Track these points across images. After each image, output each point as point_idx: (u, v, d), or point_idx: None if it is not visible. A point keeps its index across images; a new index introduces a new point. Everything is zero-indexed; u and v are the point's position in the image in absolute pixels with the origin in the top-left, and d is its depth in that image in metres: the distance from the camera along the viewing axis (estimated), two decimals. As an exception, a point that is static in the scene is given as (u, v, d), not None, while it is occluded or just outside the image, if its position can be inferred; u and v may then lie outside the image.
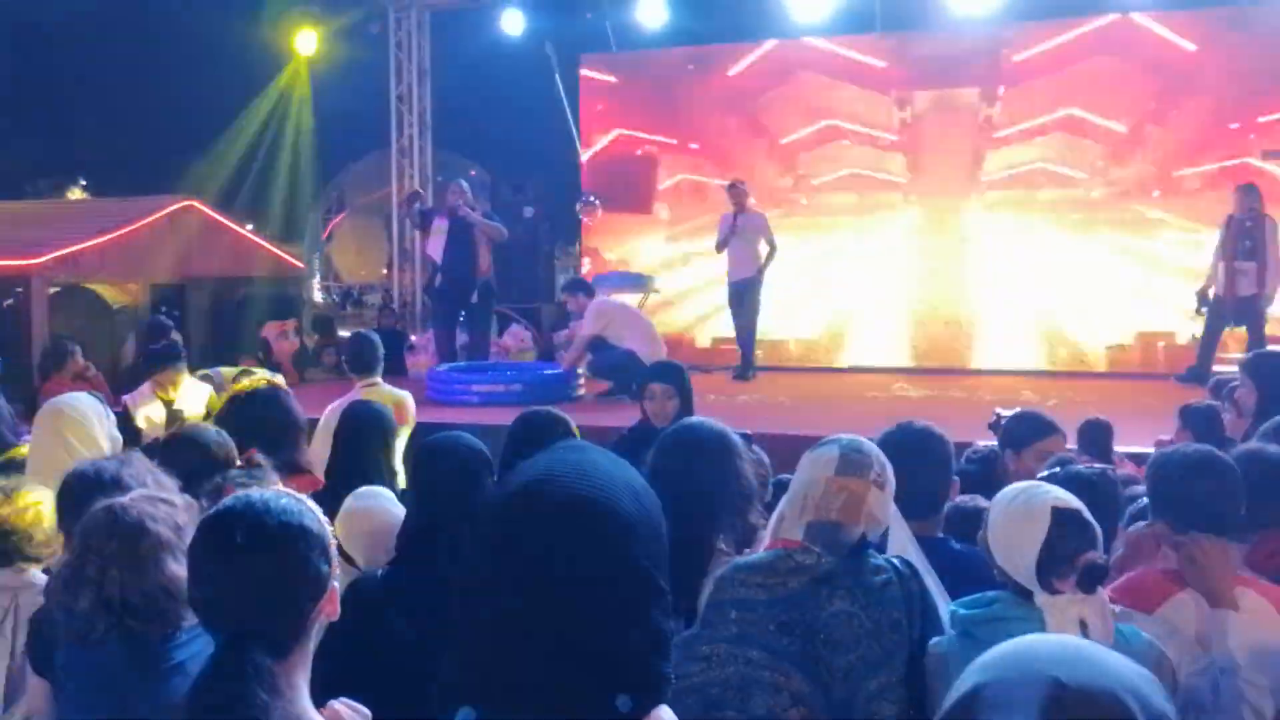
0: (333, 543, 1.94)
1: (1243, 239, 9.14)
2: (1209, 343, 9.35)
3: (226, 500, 1.92)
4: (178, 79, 18.90)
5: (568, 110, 13.66)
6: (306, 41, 13.96)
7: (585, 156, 13.55)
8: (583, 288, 10.02)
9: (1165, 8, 11.34)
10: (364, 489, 3.63)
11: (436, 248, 10.18)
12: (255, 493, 1.90)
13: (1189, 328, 10.43)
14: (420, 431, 6.12)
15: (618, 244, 13.44)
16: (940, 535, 3.26)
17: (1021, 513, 2.46)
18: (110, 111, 20.11)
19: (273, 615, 1.81)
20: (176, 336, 8.72)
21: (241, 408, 4.31)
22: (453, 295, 10.29)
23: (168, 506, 2.47)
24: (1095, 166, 11.70)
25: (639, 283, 12.76)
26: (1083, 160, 11.73)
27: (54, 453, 3.66)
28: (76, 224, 11.48)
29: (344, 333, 16.45)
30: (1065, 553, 2.38)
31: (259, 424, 4.07)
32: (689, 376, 5.20)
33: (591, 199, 12.83)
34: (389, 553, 3.16)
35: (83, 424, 3.88)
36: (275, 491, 1.93)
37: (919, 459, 3.17)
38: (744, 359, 10.67)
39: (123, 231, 11.18)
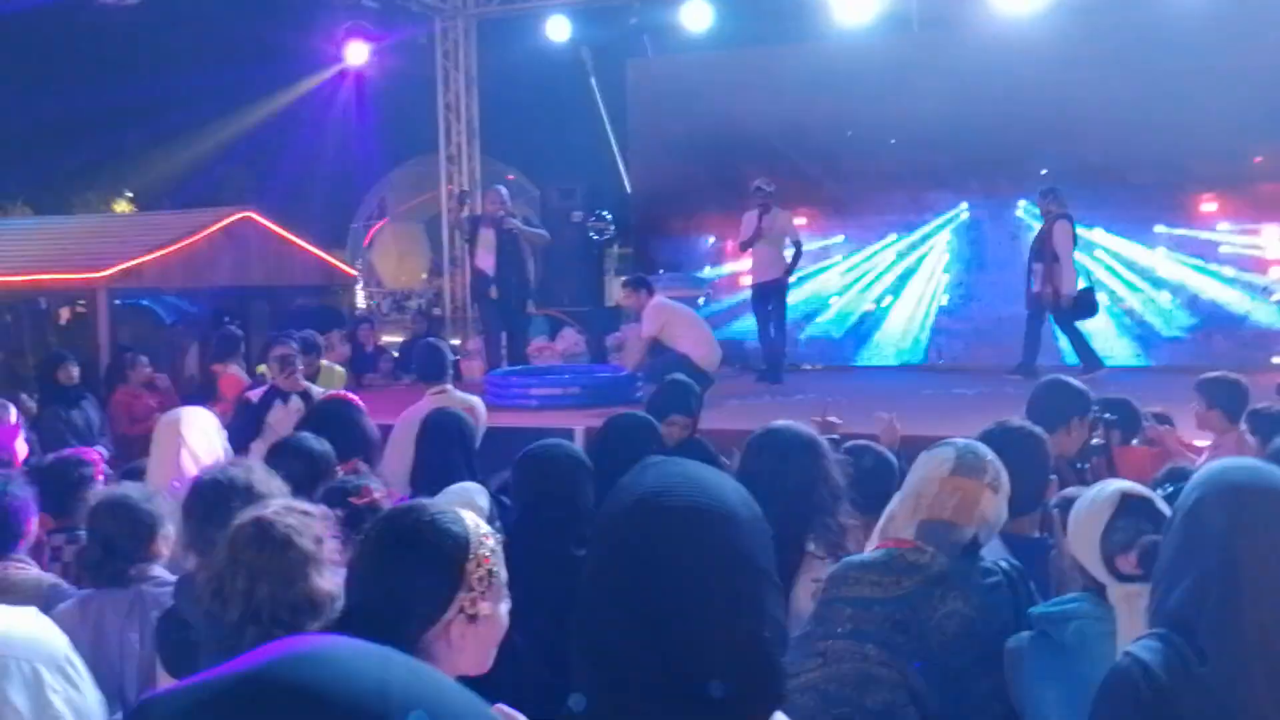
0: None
1: (1038, 240, 10.08)
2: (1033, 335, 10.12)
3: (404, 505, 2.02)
4: (224, 90, 19.12)
5: (604, 114, 13.78)
6: (357, 53, 14.13)
7: (627, 162, 13.67)
8: (644, 285, 9.68)
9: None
10: (453, 487, 3.70)
11: (487, 261, 10.16)
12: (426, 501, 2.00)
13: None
14: (490, 435, 6.26)
15: (669, 248, 13.61)
16: (1038, 535, 3.27)
17: (1092, 500, 2.51)
18: (156, 124, 20.36)
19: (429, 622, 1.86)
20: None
21: (323, 423, 4.39)
22: (507, 305, 10.27)
23: (309, 519, 2.49)
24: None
25: (696, 283, 12.81)
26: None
27: (178, 462, 3.77)
28: (138, 237, 11.71)
29: (389, 339, 16.66)
30: (1128, 532, 2.40)
31: (340, 439, 4.11)
32: (700, 402, 5.32)
33: (605, 215, 12.92)
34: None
35: (205, 434, 4.02)
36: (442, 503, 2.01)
37: (1016, 457, 3.12)
38: (774, 362, 10.56)
39: (184, 244, 11.41)
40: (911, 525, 2.61)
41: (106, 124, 20.59)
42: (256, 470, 3.22)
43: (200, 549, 2.89)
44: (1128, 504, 2.46)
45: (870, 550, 2.72)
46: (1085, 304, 9.96)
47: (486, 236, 10.18)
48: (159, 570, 3.41)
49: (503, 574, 1.88)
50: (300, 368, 5.63)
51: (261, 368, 7.34)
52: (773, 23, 13.07)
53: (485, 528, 1.89)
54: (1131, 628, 2.29)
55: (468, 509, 2.21)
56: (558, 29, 13.65)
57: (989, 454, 2.71)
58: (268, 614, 2.47)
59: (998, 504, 2.65)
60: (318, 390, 6.05)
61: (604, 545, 1.44)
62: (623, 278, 10.74)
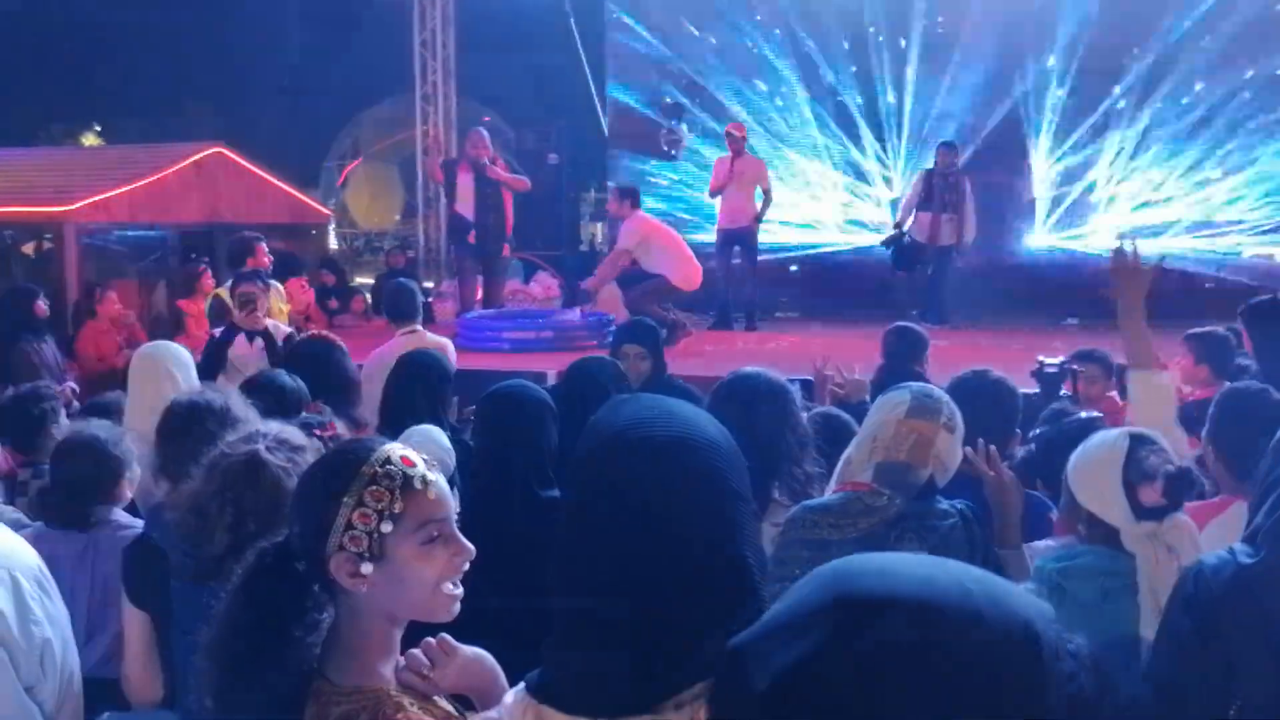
0: None
1: (945, 192, 10.48)
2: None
3: None
4: (191, 24, 18.78)
5: (583, 58, 13.61)
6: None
7: (609, 104, 13.53)
8: (631, 195, 9.68)
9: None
10: (415, 428, 3.65)
11: (467, 205, 10.00)
12: None
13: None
14: (461, 377, 6.22)
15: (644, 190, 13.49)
16: None
17: (1098, 445, 2.54)
18: (123, 57, 19.99)
19: None
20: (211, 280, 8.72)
21: (300, 362, 4.37)
22: (484, 249, 10.14)
23: (300, 454, 2.43)
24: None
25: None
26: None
27: (160, 394, 3.69)
28: (106, 171, 11.51)
29: (362, 280, 16.53)
30: (1149, 465, 2.43)
31: (317, 379, 4.12)
32: (661, 336, 5.26)
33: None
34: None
35: (186, 365, 3.98)
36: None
37: (985, 405, 3.21)
38: (749, 308, 10.57)
39: (153, 178, 11.22)
40: (869, 467, 2.64)
41: (75, 56, 20.19)
42: (233, 395, 3.19)
43: (172, 474, 2.85)
44: (1138, 441, 2.50)
45: (829, 493, 2.72)
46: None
47: (465, 180, 10.03)
48: (119, 514, 3.37)
49: (417, 517, 1.67)
50: (259, 308, 5.58)
51: (219, 293, 7.27)
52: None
53: (422, 467, 1.69)
54: (1157, 567, 2.32)
55: (428, 447, 2.18)
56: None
57: (943, 396, 2.74)
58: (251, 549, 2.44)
59: (953, 444, 2.67)
60: (283, 328, 6.01)
61: (584, 483, 1.42)
62: (611, 186, 10.67)
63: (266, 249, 7.65)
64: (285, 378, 3.80)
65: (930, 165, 10.98)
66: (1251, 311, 4.43)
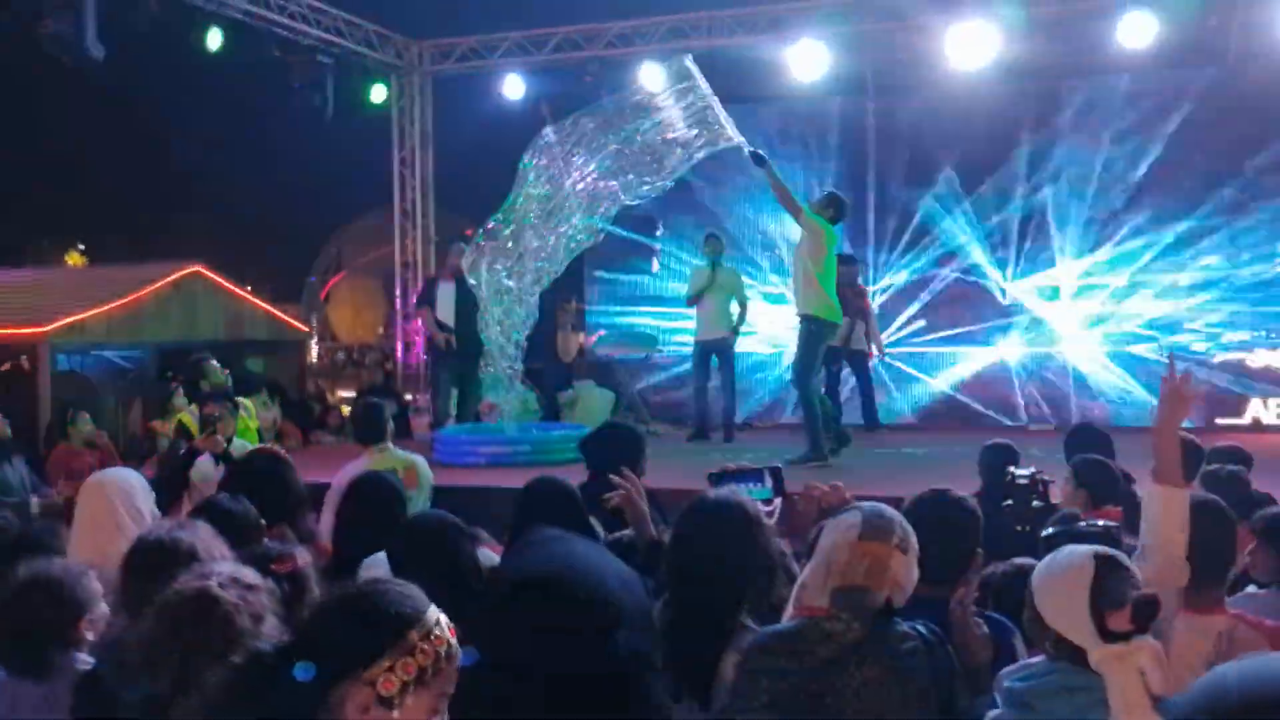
0: None
1: (852, 299, 10.44)
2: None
3: None
4: (175, 142, 19.05)
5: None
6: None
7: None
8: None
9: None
10: (375, 558, 3.62)
11: (447, 311, 10.14)
12: None
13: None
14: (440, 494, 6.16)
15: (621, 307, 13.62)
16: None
17: (1064, 566, 2.50)
18: (107, 174, 20.24)
19: None
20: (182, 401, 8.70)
21: (247, 480, 4.31)
22: (464, 358, 10.18)
23: (254, 595, 2.41)
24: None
25: (645, 342, 12.83)
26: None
27: (103, 528, 3.64)
28: (84, 291, 11.56)
29: (344, 393, 16.50)
30: (1116, 590, 2.40)
31: (263, 495, 4.06)
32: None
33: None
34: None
35: (132, 497, 3.89)
36: None
37: (944, 525, 3.17)
38: (729, 420, 10.55)
39: (130, 299, 11.26)
40: (825, 593, 2.59)
41: (61, 171, 20.43)
42: (201, 532, 3.09)
43: (135, 611, 2.75)
44: (1105, 564, 2.46)
45: (786, 619, 2.68)
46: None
47: (446, 291, 10.17)
48: (81, 659, 3.15)
49: (441, 683, 1.76)
50: (219, 430, 5.61)
51: (182, 417, 7.28)
52: (727, 82, 13.16)
53: (446, 622, 1.79)
54: (1127, 687, 2.29)
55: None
56: (513, 87, 13.72)
57: (895, 515, 2.72)
58: (198, 688, 2.37)
59: (907, 564, 2.64)
60: (248, 447, 5.99)
61: (484, 623, 1.52)
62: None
63: (218, 366, 7.66)
64: (230, 503, 3.73)
65: None
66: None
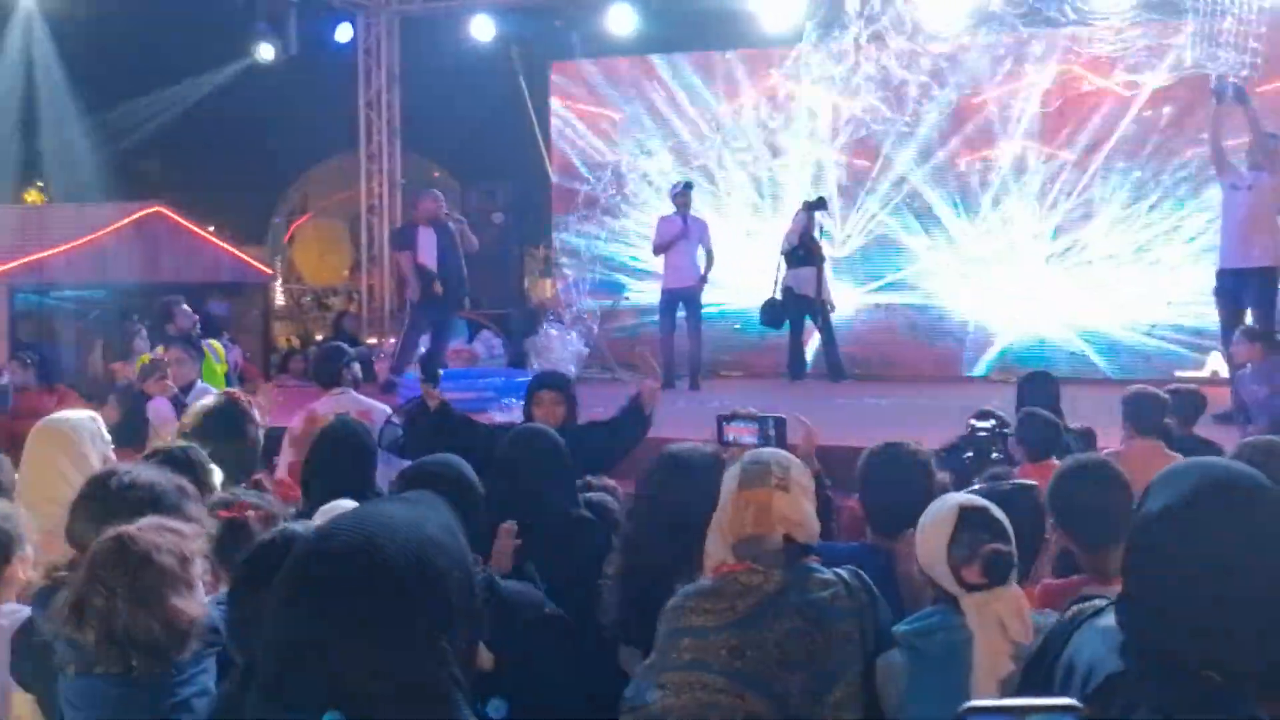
0: None
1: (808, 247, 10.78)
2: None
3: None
4: (138, 79, 18.69)
5: (533, 117, 13.69)
6: (266, 51, 13.78)
7: (554, 164, 13.60)
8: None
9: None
10: (336, 503, 3.57)
11: (430, 256, 10.12)
12: None
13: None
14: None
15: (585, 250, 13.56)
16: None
17: (933, 516, 2.54)
18: (67, 111, 19.84)
19: None
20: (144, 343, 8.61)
21: (207, 426, 4.27)
22: (449, 302, 10.27)
23: (175, 536, 2.43)
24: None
25: (612, 289, 12.83)
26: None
27: (46, 475, 3.61)
28: (44, 230, 11.39)
29: (308, 336, 16.41)
30: (969, 543, 2.43)
31: (224, 445, 4.02)
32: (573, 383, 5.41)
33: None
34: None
35: (76, 444, 3.84)
36: None
37: (897, 476, 3.28)
38: (694, 368, 10.60)
39: (90, 238, 11.11)
40: (726, 550, 2.60)
41: (21, 110, 20.01)
42: (146, 475, 3.02)
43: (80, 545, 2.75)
44: (965, 516, 2.48)
45: (705, 578, 2.68)
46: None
47: (427, 236, 10.18)
48: (17, 607, 3.02)
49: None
50: (169, 374, 5.72)
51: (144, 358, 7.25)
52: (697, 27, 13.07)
53: None
54: (988, 633, 2.35)
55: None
56: (482, 28, 13.52)
57: (771, 456, 2.72)
58: (124, 634, 2.37)
59: (792, 501, 2.62)
60: (200, 389, 6.02)
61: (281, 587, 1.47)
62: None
63: (188, 310, 7.61)
64: (179, 451, 3.61)
65: (804, 221, 10.93)
66: None
